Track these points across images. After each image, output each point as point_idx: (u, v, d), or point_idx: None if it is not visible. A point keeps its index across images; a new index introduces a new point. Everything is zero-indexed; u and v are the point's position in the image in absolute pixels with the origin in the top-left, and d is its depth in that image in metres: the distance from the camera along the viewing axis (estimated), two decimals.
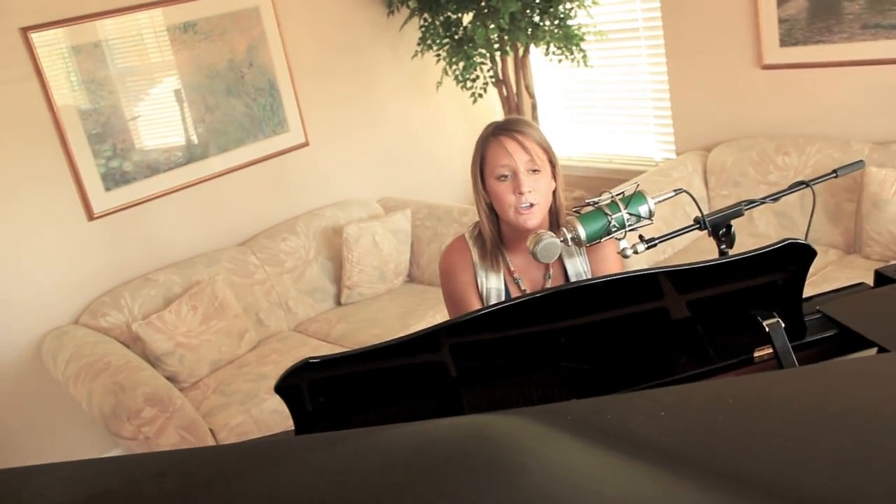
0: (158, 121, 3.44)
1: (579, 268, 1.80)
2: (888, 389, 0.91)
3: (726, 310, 1.30)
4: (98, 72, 3.22)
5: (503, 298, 1.80)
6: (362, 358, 1.15)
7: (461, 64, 3.88)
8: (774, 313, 1.26)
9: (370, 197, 4.12)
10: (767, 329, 1.25)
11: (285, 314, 3.53)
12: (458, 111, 4.48)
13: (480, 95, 3.97)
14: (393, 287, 3.71)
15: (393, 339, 1.16)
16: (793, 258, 1.20)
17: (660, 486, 0.79)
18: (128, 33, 3.30)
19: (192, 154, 3.53)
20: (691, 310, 1.30)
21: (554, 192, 1.75)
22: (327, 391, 1.16)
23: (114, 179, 3.31)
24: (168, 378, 2.96)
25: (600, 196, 1.59)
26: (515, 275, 1.81)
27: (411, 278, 3.81)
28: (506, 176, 1.70)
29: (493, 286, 1.80)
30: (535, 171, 1.70)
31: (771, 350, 1.28)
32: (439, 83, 4.10)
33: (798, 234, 3.28)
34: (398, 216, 3.72)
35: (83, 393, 2.66)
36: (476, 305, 1.81)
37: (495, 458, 0.86)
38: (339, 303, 3.69)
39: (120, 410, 2.48)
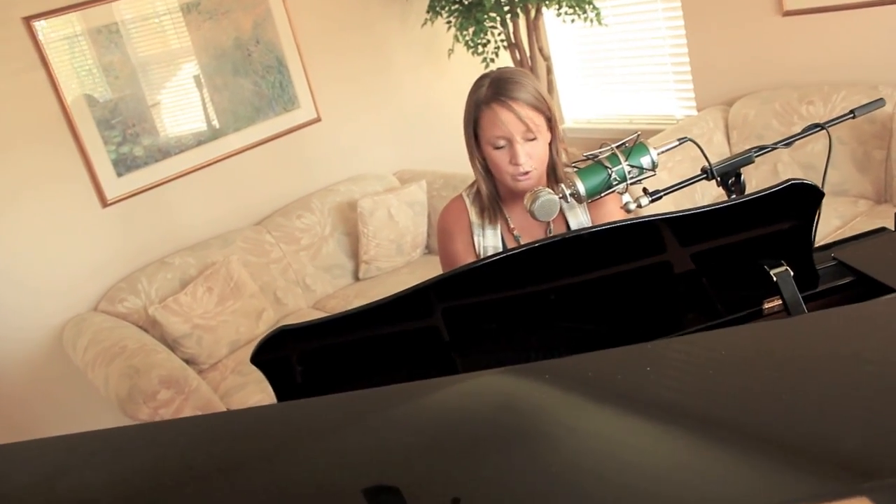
0: (167, 104, 3.41)
1: (581, 219, 1.73)
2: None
3: (732, 259, 1.23)
4: (106, 56, 3.20)
5: None
6: (343, 323, 1.10)
7: (471, 29, 3.79)
8: (783, 261, 1.19)
9: (386, 170, 4.06)
10: (775, 278, 1.17)
11: (303, 292, 3.51)
12: (473, 79, 4.36)
13: (492, 60, 3.87)
14: (411, 259, 3.67)
15: (376, 301, 1.11)
16: (798, 200, 1.11)
17: (684, 448, 0.76)
18: (137, 15, 3.27)
19: (202, 135, 3.50)
20: (695, 260, 1.23)
21: (550, 145, 1.68)
22: (308, 361, 1.12)
23: (125, 165, 3.29)
24: (186, 360, 2.96)
25: (600, 148, 1.51)
26: (515, 231, 1.75)
27: (429, 250, 3.76)
28: (502, 146, 1.63)
29: (490, 244, 1.75)
30: (531, 139, 1.63)
31: (780, 301, 1.20)
32: (451, 51, 4.02)
33: (826, 187, 3.16)
34: (413, 188, 3.66)
35: (100, 378, 2.67)
36: None
37: (522, 428, 0.85)
38: (357, 278, 3.65)
39: (135, 393, 2.48)
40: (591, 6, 3.70)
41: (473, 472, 0.78)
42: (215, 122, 3.53)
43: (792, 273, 1.17)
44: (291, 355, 1.11)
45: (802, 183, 1.09)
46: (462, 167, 4.12)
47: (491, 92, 1.62)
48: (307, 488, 0.81)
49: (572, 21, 3.80)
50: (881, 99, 1.69)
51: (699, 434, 0.77)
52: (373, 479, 0.81)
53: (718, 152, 3.43)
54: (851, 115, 1.64)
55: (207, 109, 3.51)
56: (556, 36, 4.37)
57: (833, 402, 0.77)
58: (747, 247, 1.20)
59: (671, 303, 1.27)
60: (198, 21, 3.44)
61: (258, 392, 2.77)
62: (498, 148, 1.63)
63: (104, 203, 3.24)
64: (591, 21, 3.74)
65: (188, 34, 3.42)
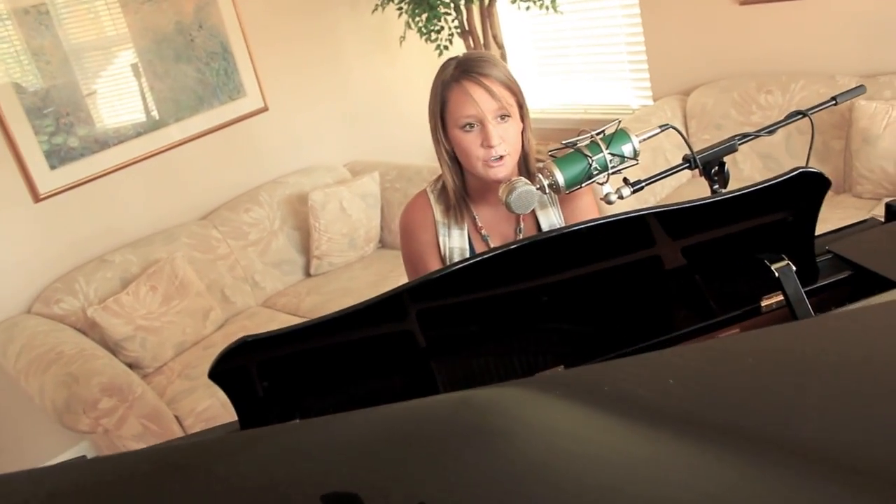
0: (104, 92, 3.21)
1: (553, 219, 1.62)
2: None
3: (729, 254, 1.15)
4: (35, 40, 2.98)
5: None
6: (309, 333, 0.98)
7: (424, 16, 3.67)
8: (784, 255, 1.11)
9: (337, 161, 3.92)
10: (777, 274, 1.09)
11: (252, 289, 3.35)
12: (426, 66, 4.25)
13: (446, 48, 3.76)
14: (364, 254, 3.54)
15: (344, 309, 0.99)
16: (805, 189, 1.04)
17: (652, 444, 0.70)
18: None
19: (141, 126, 3.30)
20: (689, 256, 1.14)
21: (522, 134, 1.57)
22: (272, 375, 1.00)
23: (59, 157, 3.08)
24: (130, 364, 2.79)
25: (578, 136, 1.42)
26: (483, 231, 1.63)
27: (383, 244, 3.64)
28: (472, 125, 1.51)
29: (457, 245, 1.62)
30: (503, 117, 1.51)
31: (781, 298, 1.13)
32: (402, 38, 3.89)
33: None
34: (366, 179, 3.53)
35: (35, 386, 2.47)
36: (435, 267, 1.63)
37: (481, 425, 0.79)
38: (308, 274, 3.51)
39: (74, 403, 2.30)
40: None
41: (440, 474, 0.72)
42: (155, 113, 3.34)
43: (794, 268, 1.09)
44: (253, 368, 0.99)
45: (811, 171, 1.01)
46: (415, 157, 4.01)
47: (460, 70, 1.50)
48: (261, 493, 0.73)
49: (527, 8, 3.72)
50: (862, 86, 1.64)
51: (675, 432, 0.69)
52: (331, 483, 0.73)
53: (678, 142, 3.38)
54: (833, 102, 1.58)
55: (147, 98, 3.32)
56: (511, 23, 4.28)
57: (872, 411, 0.69)
58: (747, 240, 1.12)
59: (663, 302, 1.19)
60: (136, 3, 3.24)
61: (207, 397, 2.62)
62: (468, 130, 1.50)
63: (36, 198, 3.03)
64: (547, 8, 3.66)
65: (124, 17, 3.22)
